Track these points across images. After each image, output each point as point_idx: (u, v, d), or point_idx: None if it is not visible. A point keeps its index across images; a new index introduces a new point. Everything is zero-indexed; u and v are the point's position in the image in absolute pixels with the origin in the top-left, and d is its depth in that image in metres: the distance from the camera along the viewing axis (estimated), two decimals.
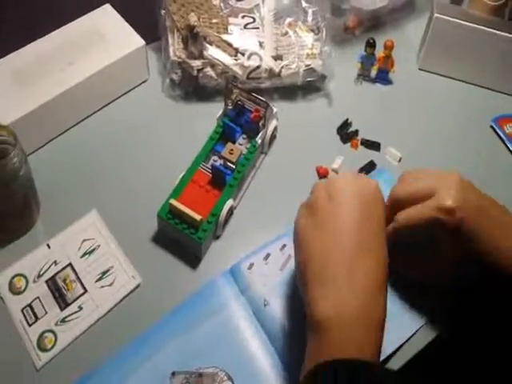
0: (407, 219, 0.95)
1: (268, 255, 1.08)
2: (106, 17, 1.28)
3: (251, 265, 1.06)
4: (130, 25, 1.27)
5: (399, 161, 1.23)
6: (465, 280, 0.97)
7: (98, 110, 1.25)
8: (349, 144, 1.25)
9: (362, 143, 1.25)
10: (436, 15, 1.30)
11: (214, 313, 1.03)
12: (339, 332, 0.81)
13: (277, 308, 1.02)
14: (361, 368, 0.78)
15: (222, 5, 1.32)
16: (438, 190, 0.93)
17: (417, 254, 1.00)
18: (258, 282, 1.05)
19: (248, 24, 1.31)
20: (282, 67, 1.26)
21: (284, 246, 1.09)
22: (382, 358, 0.92)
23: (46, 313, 1.01)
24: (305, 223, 0.91)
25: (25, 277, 1.04)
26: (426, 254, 0.98)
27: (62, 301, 1.03)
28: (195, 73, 1.25)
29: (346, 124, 1.26)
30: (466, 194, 0.93)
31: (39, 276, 1.05)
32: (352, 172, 1.13)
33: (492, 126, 1.30)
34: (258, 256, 1.07)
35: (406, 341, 1.01)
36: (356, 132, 1.26)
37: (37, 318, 1.01)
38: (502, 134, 1.28)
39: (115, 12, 1.28)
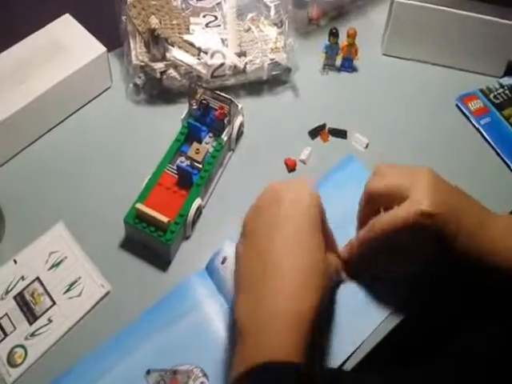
0: (382, 227, 0.94)
1: None
2: (66, 27, 1.26)
3: (224, 259, 1.04)
4: (92, 33, 1.25)
5: (366, 147, 1.22)
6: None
7: (61, 121, 1.23)
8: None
9: (329, 132, 1.22)
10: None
11: (190, 311, 1.01)
12: (257, 335, 0.80)
13: None
14: (284, 371, 0.77)
15: (183, 5, 1.30)
16: (412, 191, 0.92)
17: (394, 257, 0.99)
18: (231, 277, 1.02)
19: (210, 23, 1.29)
20: (247, 63, 1.25)
21: None
22: (343, 357, 0.95)
23: (15, 328, 1.00)
24: (240, 238, 0.91)
25: None
26: (404, 256, 0.97)
27: (30, 315, 1.01)
28: (158, 75, 1.23)
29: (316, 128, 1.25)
30: (441, 194, 0.92)
31: (7, 292, 1.03)
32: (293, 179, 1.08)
33: (457, 105, 1.30)
34: (231, 249, 1.04)
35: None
36: (323, 126, 1.24)
37: (6, 335, 0.99)
38: (467, 112, 1.28)
39: (75, 21, 1.27)
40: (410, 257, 0.97)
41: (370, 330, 1.00)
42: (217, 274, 1.05)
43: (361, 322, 1.00)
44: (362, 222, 1.01)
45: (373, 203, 0.98)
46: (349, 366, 0.96)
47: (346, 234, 1.03)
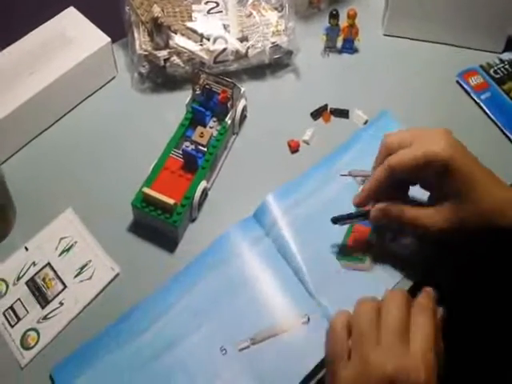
0: (397, 160, 0.95)
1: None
2: (71, 19, 1.28)
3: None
4: (97, 25, 1.26)
5: (365, 123, 1.23)
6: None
7: (68, 111, 1.25)
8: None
9: (331, 112, 1.23)
10: None
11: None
12: None
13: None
14: None
15: None
16: (429, 135, 0.94)
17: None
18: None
19: (211, 9, 1.31)
20: (249, 47, 1.26)
21: None
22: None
23: (28, 312, 1.02)
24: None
25: (4, 281, 1.05)
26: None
27: (42, 299, 1.03)
28: (162, 63, 1.25)
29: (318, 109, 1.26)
30: (455, 139, 0.94)
31: (19, 278, 1.05)
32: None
33: (458, 81, 1.30)
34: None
35: None
36: (325, 106, 1.25)
37: (19, 319, 1.01)
38: (467, 88, 1.28)
39: (79, 14, 1.28)
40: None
41: None
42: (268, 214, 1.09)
43: None
44: None
45: (388, 155, 0.98)
46: None
47: None
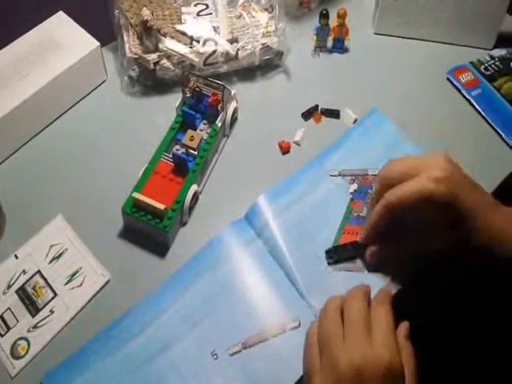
0: (396, 195, 0.92)
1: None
2: (60, 24, 1.27)
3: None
4: (86, 29, 1.26)
5: (354, 122, 1.23)
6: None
7: (58, 117, 1.24)
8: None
9: (321, 113, 1.22)
10: None
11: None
12: None
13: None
14: None
15: None
16: (426, 165, 0.91)
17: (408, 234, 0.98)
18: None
19: (201, 11, 1.30)
20: (239, 49, 1.25)
21: None
22: None
23: (18, 321, 1.01)
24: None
25: None
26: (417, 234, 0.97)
27: (32, 308, 1.02)
28: (152, 66, 1.24)
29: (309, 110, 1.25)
30: (455, 166, 0.92)
31: (9, 287, 1.04)
32: None
33: (448, 78, 1.30)
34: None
35: None
36: (316, 107, 1.25)
37: (9, 328, 1.00)
38: (458, 85, 1.28)
39: (69, 18, 1.28)
40: (422, 235, 0.96)
41: None
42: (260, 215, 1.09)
43: None
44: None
45: (387, 189, 0.96)
46: None
47: None
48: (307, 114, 1.24)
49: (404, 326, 0.89)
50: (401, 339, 0.87)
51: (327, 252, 1.04)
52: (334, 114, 1.24)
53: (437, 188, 0.88)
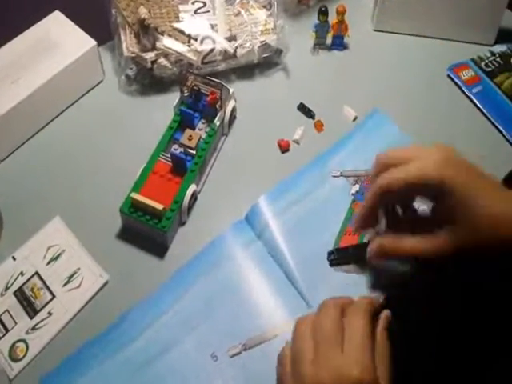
0: (387, 182, 0.89)
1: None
2: (56, 23, 1.26)
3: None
4: (83, 29, 1.25)
5: (354, 119, 1.22)
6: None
7: (55, 117, 1.23)
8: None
9: (297, 108, 1.25)
10: None
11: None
12: None
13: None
14: None
15: None
16: (419, 152, 0.88)
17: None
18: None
19: (199, 9, 1.29)
20: (237, 47, 1.24)
21: None
22: None
23: (16, 323, 1.00)
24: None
25: None
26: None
27: (30, 309, 1.01)
28: (149, 65, 1.23)
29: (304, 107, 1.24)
30: (448, 151, 0.87)
31: (6, 289, 1.03)
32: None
33: (449, 75, 1.29)
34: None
35: None
36: (313, 116, 1.25)
37: (7, 330, 1.00)
38: (458, 82, 1.27)
39: (65, 18, 1.27)
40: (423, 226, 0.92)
41: None
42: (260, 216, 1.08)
43: None
44: None
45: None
46: None
47: None
48: (306, 109, 1.23)
49: (384, 317, 0.86)
50: (379, 333, 0.84)
51: (329, 253, 1.02)
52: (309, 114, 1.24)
53: (423, 172, 0.85)
